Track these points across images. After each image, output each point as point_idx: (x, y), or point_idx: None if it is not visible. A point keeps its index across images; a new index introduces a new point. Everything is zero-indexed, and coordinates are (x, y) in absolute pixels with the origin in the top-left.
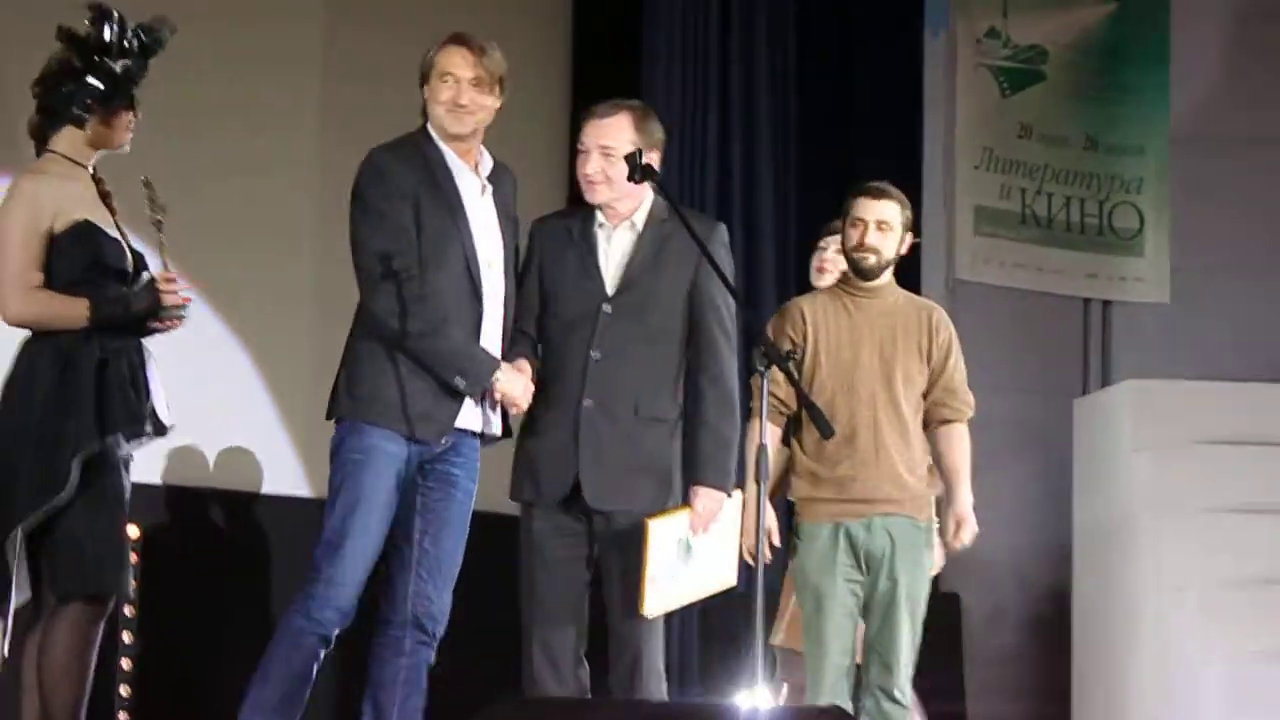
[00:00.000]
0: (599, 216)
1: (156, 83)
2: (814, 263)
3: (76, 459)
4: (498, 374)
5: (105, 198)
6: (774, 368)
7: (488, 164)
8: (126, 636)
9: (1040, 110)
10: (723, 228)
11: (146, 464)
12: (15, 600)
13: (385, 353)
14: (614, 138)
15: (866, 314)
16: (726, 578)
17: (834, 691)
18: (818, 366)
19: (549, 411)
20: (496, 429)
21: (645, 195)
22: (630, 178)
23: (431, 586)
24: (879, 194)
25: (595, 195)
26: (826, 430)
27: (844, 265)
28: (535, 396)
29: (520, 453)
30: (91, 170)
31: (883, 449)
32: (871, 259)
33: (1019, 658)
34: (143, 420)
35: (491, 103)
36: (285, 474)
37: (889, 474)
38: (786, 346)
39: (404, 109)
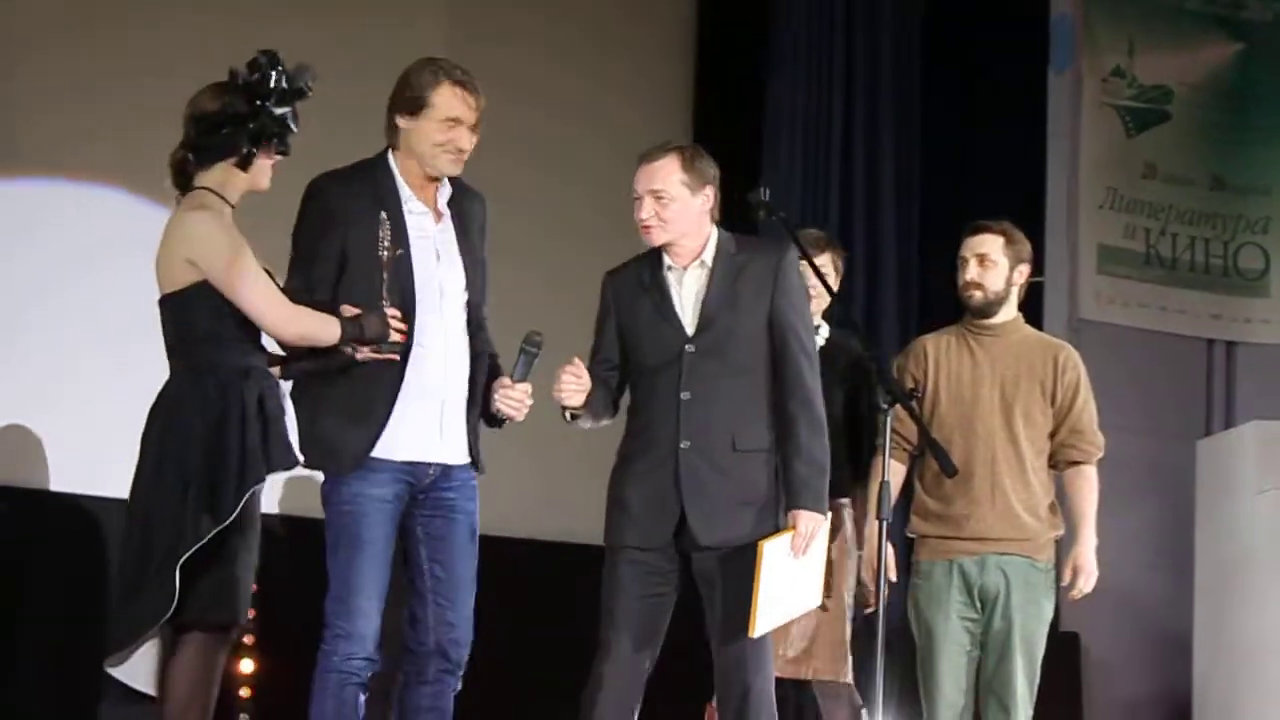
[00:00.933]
0: (666, 259)
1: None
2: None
3: (246, 490)
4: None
5: None
6: (898, 405)
7: (446, 191)
8: (247, 664)
9: (1165, 150)
10: (793, 252)
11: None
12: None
13: (304, 392)
14: (663, 181)
15: (989, 353)
16: (813, 598)
17: None
18: (937, 404)
19: (646, 456)
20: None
21: (710, 231)
22: (753, 216)
23: (452, 613)
24: (976, 229)
25: (654, 239)
26: (949, 468)
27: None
28: (630, 443)
29: (617, 498)
30: None
31: (999, 488)
32: (977, 295)
33: (1139, 700)
34: (293, 453)
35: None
36: None
37: (1004, 513)
38: (909, 384)
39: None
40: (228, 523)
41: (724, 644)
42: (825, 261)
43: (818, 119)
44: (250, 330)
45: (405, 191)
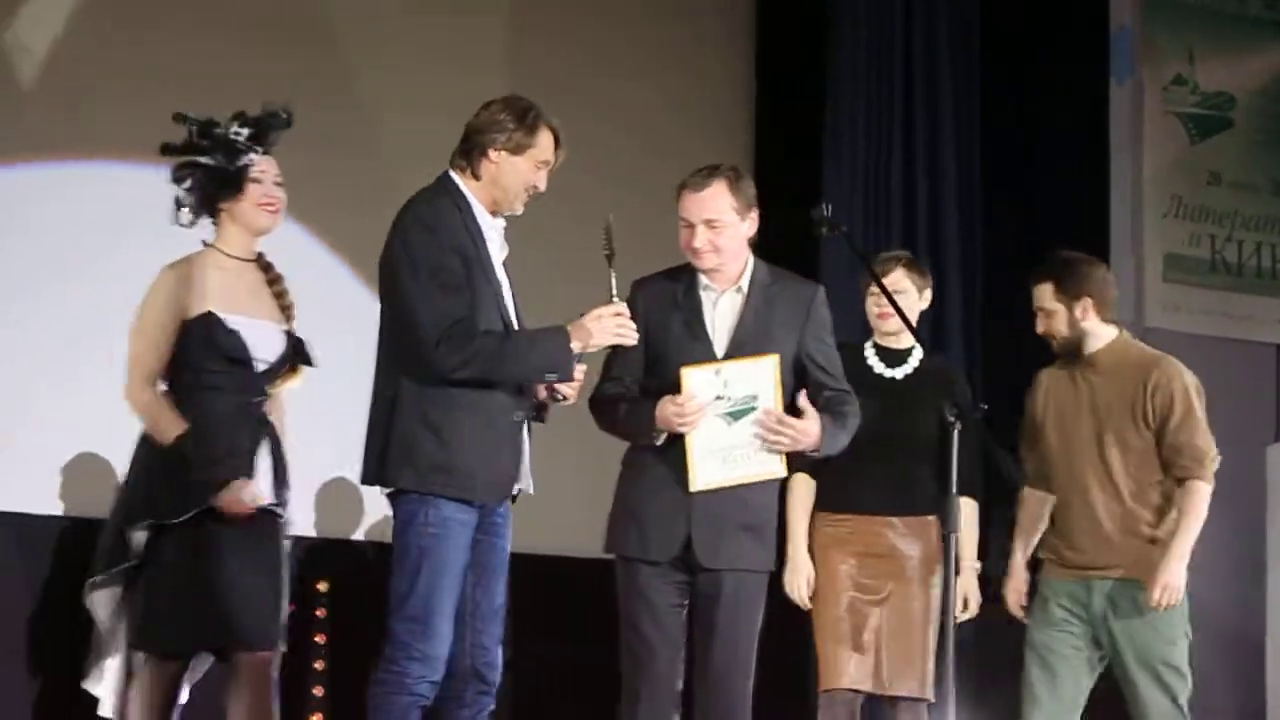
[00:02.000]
0: (703, 280)
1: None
2: (872, 309)
3: (133, 530)
4: (573, 331)
5: (273, 284)
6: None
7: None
8: (317, 690)
9: (1229, 157)
10: (822, 290)
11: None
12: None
13: (444, 417)
14: (715, 209)
15: (1090, 383)
16: (776, 467)
17: None
18: (1044, 436)
19: (660, 469)
20: (530, 488)
21: (748, 258)
22: (815, 232)
23: (487, 636)
24: (1029, 280)
25: (706, 265)
26: (1012, 478)
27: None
28: (644, 454)
29: (626, 507)
30: (255, 258)
31: (1092, 516)
32: (1054, 344)
33: (1213, 712)
34: (185, 504)
35: None
36: None
37: (1099, 539)
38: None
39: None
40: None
41: (718, 664)
42: (899, 278)
43: (879, 136)
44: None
45: (485, 216)
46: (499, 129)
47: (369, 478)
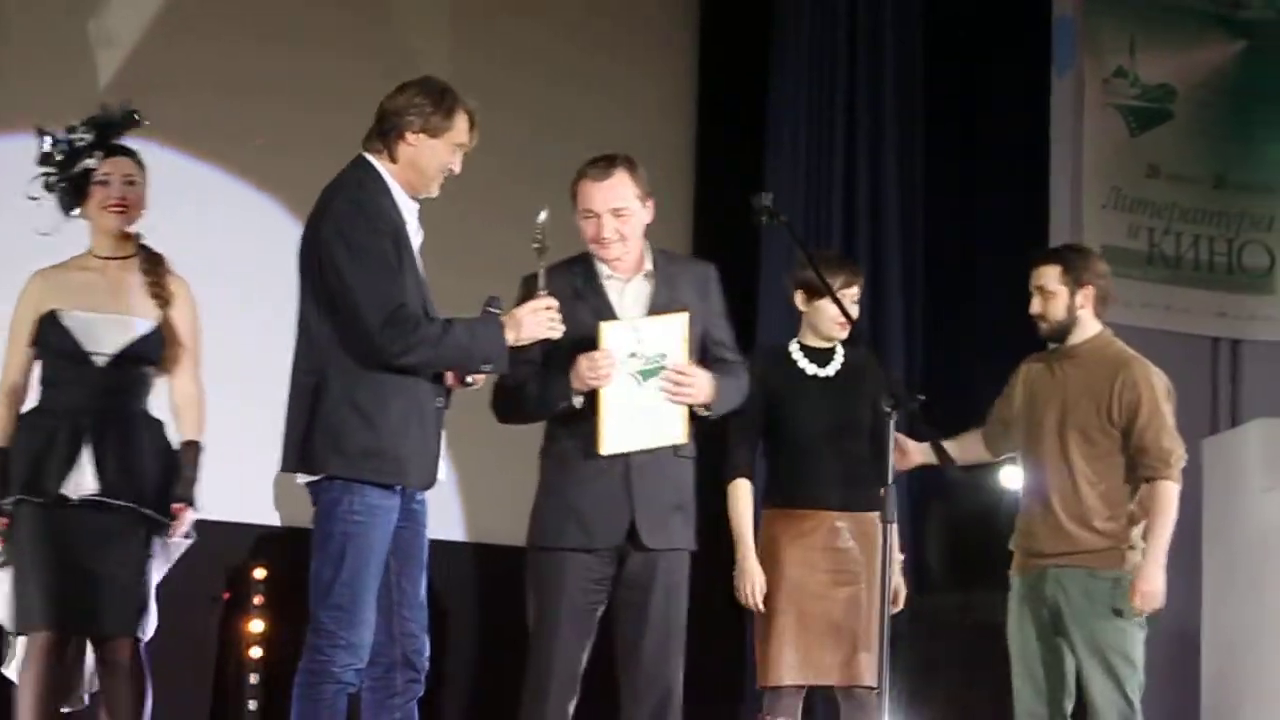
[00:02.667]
0: (603, 269)
1: None
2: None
3: None
4: (506, 323)
5: (148, 275)
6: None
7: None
8: (253, 677)
9: (1168, 149)
10: (714, 267)
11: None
12: None
13: (373, 403)
14: (621, 197)
15: (1065, 374)
16: (679, 434)
17: None
18: (1015, 425)
19: (593, 459)
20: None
21: (645, 245)
22: (756, 221)
23: (415, 624)
24: (1035, 261)
25: (611, 253)
26: (946, 461)
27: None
28: (567, 444)
29: (558, 500)
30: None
31: (1048, 505)
32: (1043, 326)
33: (1148, 698)
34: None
35: None
36: None
37: (1054, 529)
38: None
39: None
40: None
41: (652, 646)
42: (856, 293)
43: (820, 123)
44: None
45: (402, 196)
46: (416, 111)
47: (291, 465)
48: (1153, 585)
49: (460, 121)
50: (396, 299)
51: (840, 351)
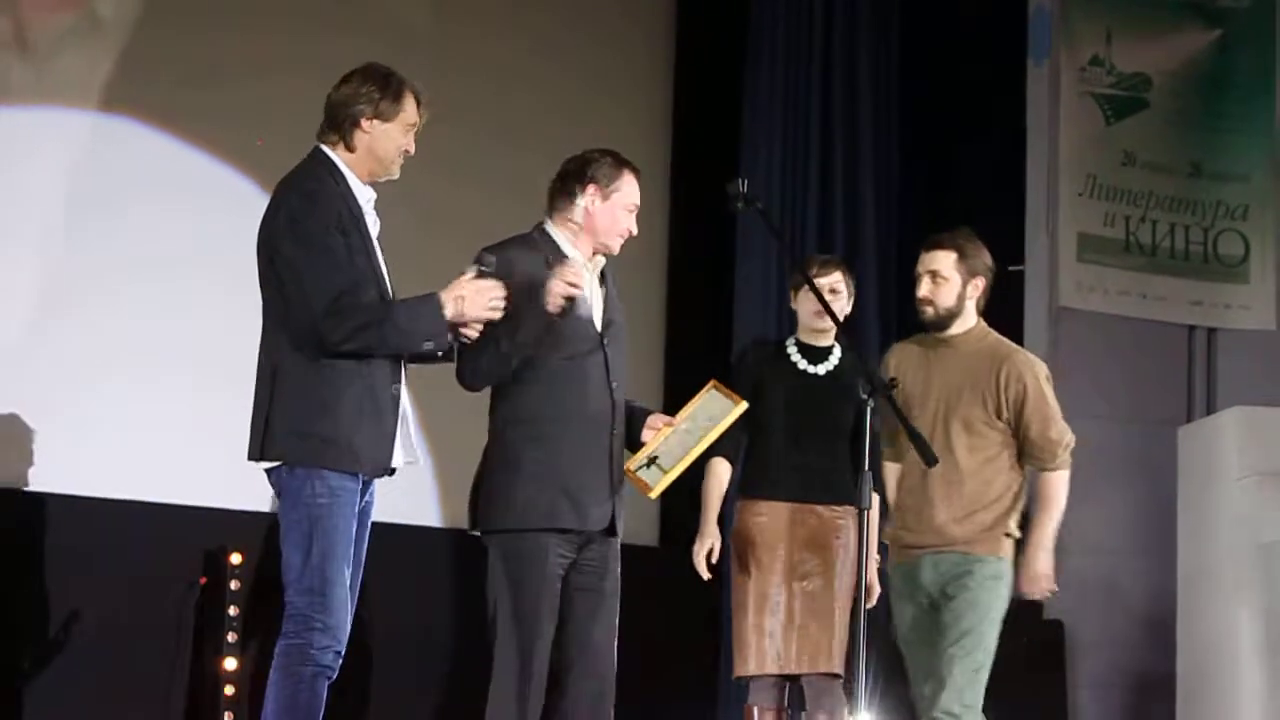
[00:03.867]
0: (566, 246)
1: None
2: (809, 307)
3: None
4: (445, 302)
5: None
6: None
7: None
8: (230, 662)
9: (1144, 138)
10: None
11: None
12: None
13: (327, 390)
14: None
15: (943, 363)
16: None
17: None
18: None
19: (585, 443)
20: (420, 460)
21: None
22: (731, 205)
23: (352, 604)
24: (930, 245)
25: (616, 249)
26: (929, 458)
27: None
28: (546, 427)
29: (548, 482)
30: None
31: (927, 495)
32: (929, 311)
33: (1123, 684)
34: None
35: None
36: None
37: (930, 519)
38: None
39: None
40: None
41: (604, 631)
42: (838, 280)
43: (796, 113)
44: None
45: (356, 183)
46: (366, 99)
47: (254, 453)
48: (1043, 568)
49: (409, 103)
50: (339, 287)
51: (838, 352)
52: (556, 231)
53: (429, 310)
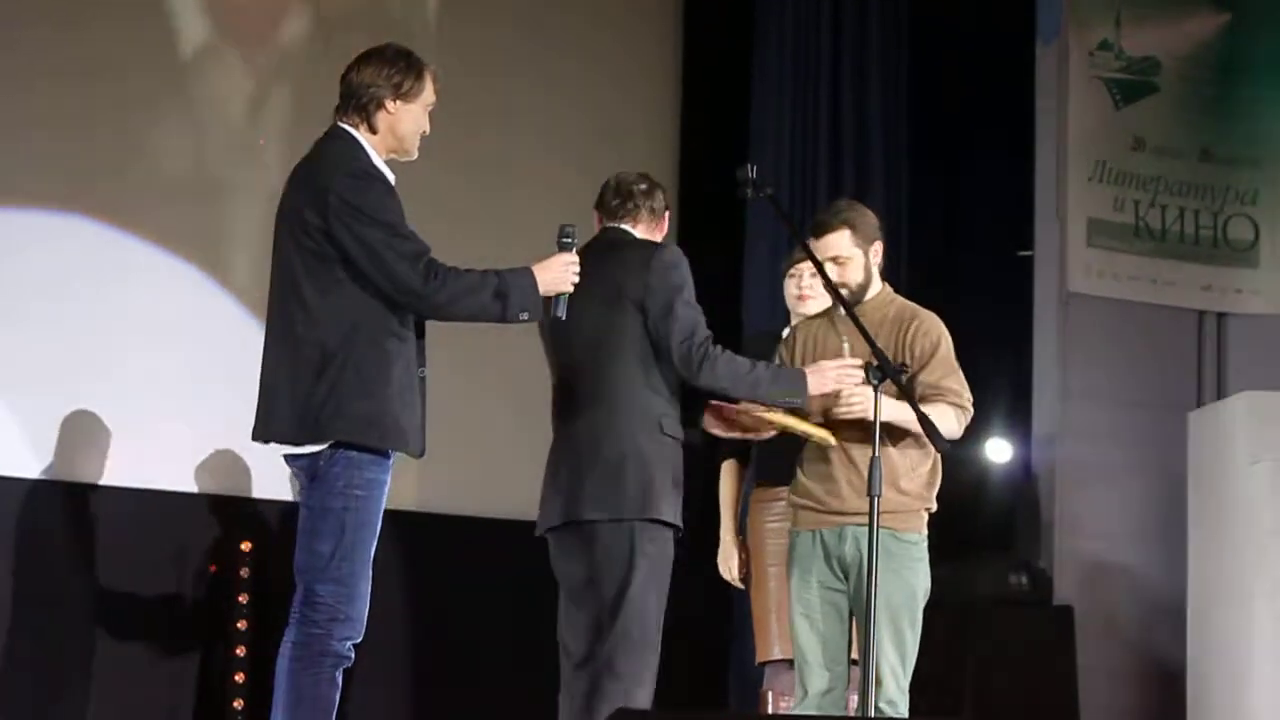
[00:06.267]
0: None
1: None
2: (791, 290)
3: None
4: (537, 271)
5: None
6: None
7: None
8: (240, 650)
9: (1153, 122)
10: None
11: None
12: None
13: (382, 372)
14: None
15: (851, 331)
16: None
17: (825, 701)
18: None
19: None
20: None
21: None
22: (740, 192)
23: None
24: (820, 230)
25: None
26: (941, 444)
27: (821, 287)
28: (676, 425)
29: (676, 477)
30: None
31: (851, 464)
32: (844, 292)
33: (1133, 670)
34: None
35: None
36: None
37: (858, 488)
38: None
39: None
40: None
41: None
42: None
43: (805, 96)
44: None
45: (388, 172)
46: (388, 80)
47: (292, 436)
48: (865, 401)
49: (429, 83)
50: (423, 252)
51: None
52: None
53: (525, 281)
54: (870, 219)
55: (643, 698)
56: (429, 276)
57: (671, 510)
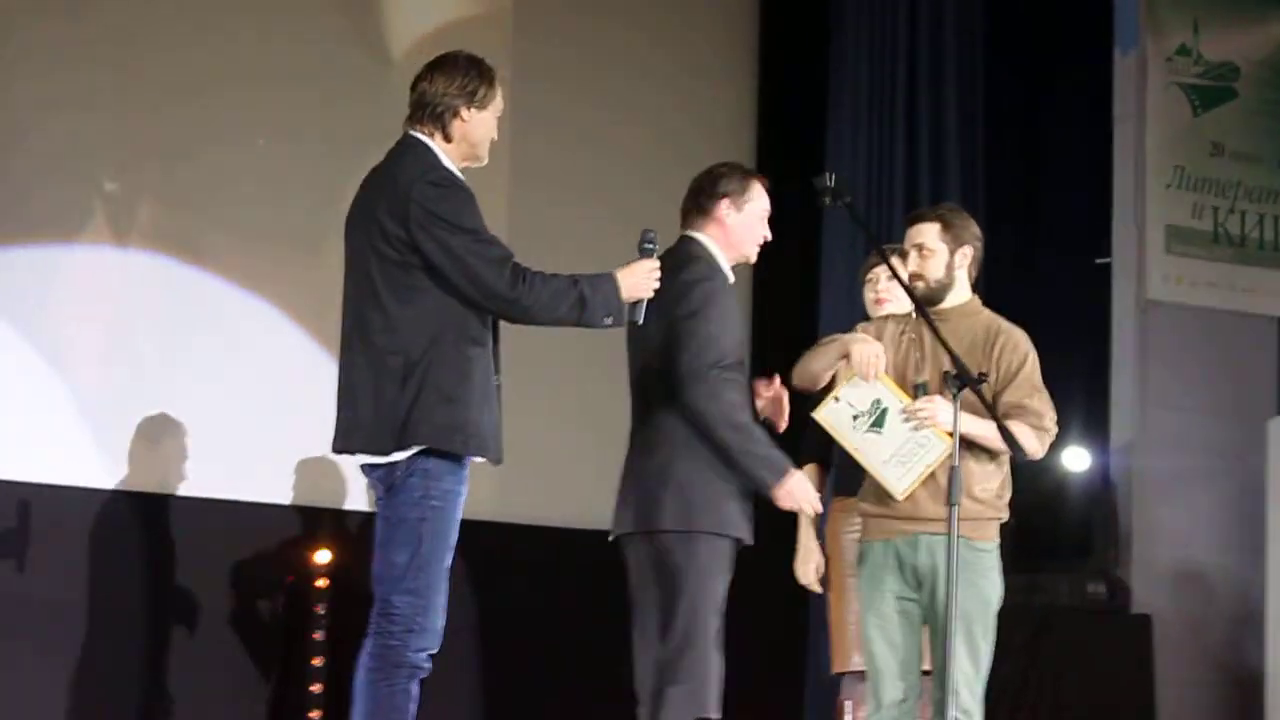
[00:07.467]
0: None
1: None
2: (869, 295)
3: None
4: (620, 277)
5: None
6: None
7: None
8: (317, 660)
9: (1232, 128)
10: None
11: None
12: None
13: (465, 379)
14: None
15: (934, 338)
16: (943, 447)
17: (899, 711)
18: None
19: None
20: None
21: None
22: (819, 201)
23: None
24: (913, 219)
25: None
26: (1020, 453)
27: (900, 292)
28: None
29: (733, 489)
30: None
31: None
32: (919, 285)
33: (1211, 681)
34: None
35: None
36: None
37: (934, 494)
38: None
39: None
40: None
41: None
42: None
43: (882, 106)
44: None
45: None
46: (462, 90)
47: (375, 445)
48: (935, 412)
49: (499, 90)
50: (508, 256)
51: None
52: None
53: (610, 286)
54: (969, 224)
55: (707, 705)
56: (516, 281)
57: (725, 520)
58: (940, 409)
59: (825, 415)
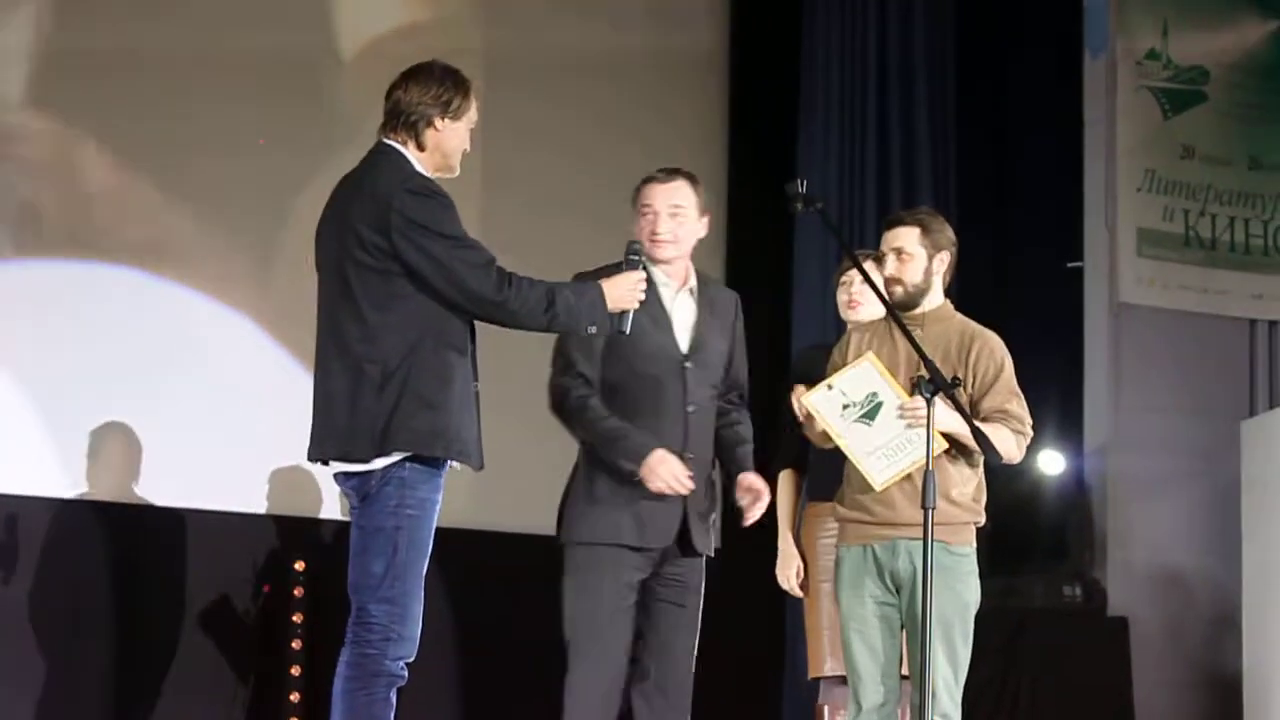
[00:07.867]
0: (658, 275)
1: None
2: (842, 298)
3: None
4: (605, 288)
5: None
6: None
7: None
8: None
9: (1202, 131)
10: (738, 296)
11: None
12: None
13: (444, 385)
14: (681, 199)
15: (908, 343)
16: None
17: (879, 716)
18: None
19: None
20: None
21: (690, 263)
22: (791, 207)
23: None
24: (891, 223)
25: (663, 252)
26: (995, 457)
27: (873, 296)
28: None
29: (613, 497)
30: None
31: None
32: (897, 290)
33: (1188, 681)
34: None
35: None
36: None
37: (912, 498)
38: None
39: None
40: None
41: (683, 645)
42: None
43: (853, 110)
44: None
45: None
46: (437, 99)
47: (349, 453)
48: (946, 418)
49: (473, 101)
50: (491, 260)
51: None
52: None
53: (595, 295)
54: (945, 229)
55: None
56: (503, 284)
57: (587, 527)
58: (939, 410)
59: (813, 400)
